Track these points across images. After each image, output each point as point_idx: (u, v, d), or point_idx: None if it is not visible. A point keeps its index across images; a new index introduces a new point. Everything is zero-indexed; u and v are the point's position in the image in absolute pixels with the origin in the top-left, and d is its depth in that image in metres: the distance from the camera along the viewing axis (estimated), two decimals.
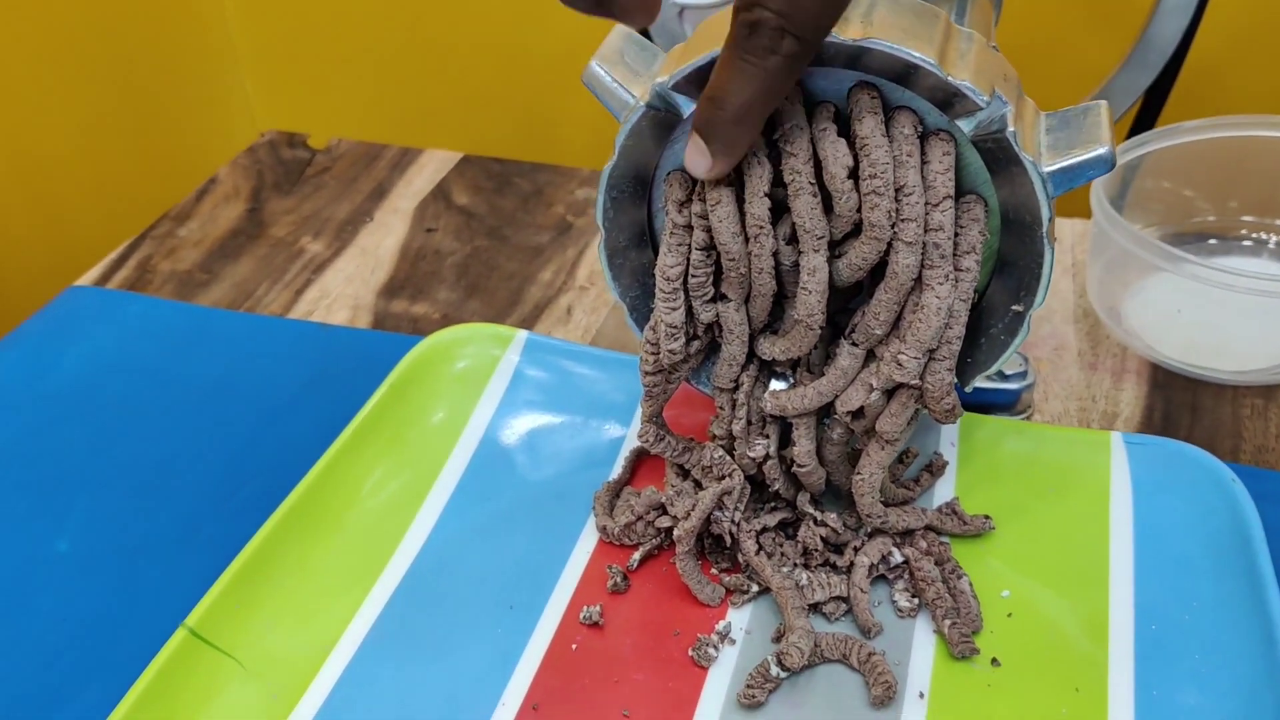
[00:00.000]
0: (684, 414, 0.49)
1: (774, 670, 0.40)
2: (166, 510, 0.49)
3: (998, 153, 0.38)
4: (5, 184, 1.10)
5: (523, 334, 0.52)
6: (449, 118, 1.01)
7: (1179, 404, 0.54)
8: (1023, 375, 0.52)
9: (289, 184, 0.74)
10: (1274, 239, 0.62)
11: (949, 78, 0.36)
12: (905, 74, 0.37)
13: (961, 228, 0.39)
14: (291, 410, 0.54)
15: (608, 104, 0.40)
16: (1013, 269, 0.41)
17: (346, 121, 1.00)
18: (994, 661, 0.41)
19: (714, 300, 0.42)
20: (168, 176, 1.05)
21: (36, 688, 0.42)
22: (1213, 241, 0.62)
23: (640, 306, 0.45)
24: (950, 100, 0.37)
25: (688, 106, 0.39)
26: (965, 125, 0.37)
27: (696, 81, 0.38)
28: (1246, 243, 0.61)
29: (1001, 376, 0.52)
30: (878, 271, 0.40)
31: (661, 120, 0.40)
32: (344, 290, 0.64)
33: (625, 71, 0.40)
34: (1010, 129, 0.36)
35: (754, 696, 0.40)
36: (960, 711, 0.40)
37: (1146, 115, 0.68)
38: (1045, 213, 0.37)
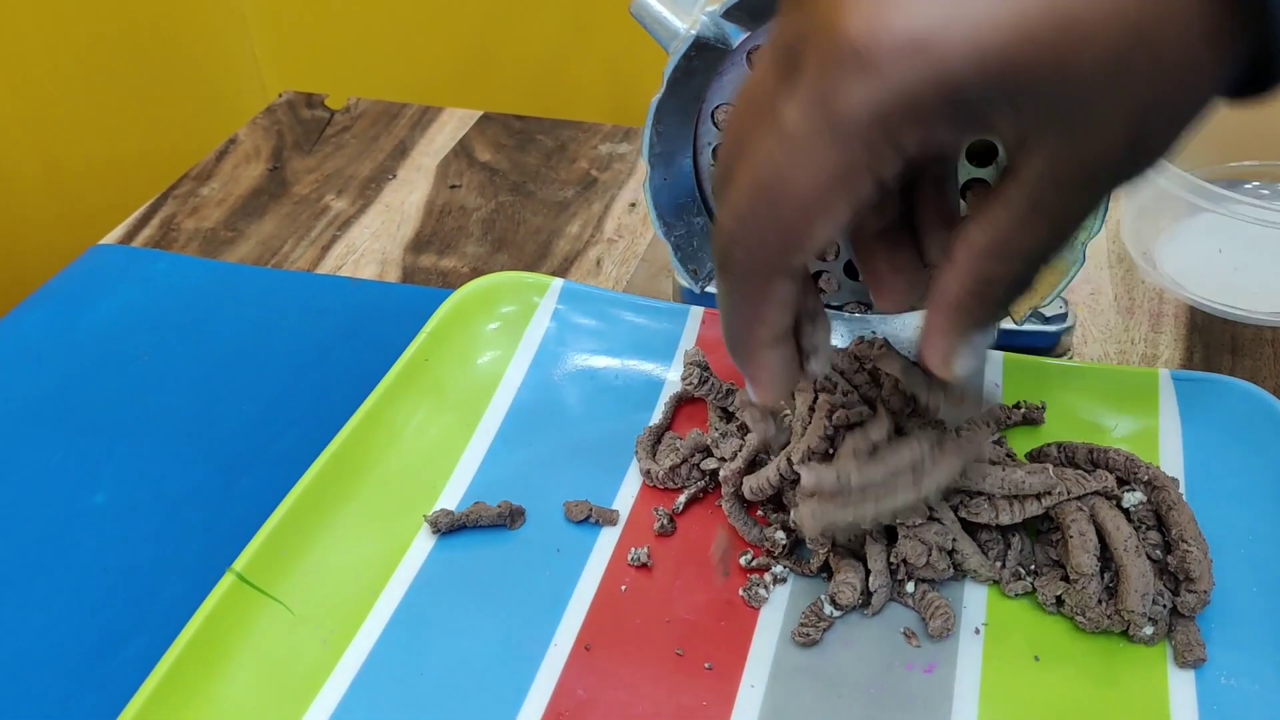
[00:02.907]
0: (723, 356, 0.49)
1: (827, 609, 0.40)
2: (203, 461, 0.49)
3: None
4: (16, 148, 1.10)
5: (559, 281, 0.52)
6: (460, 80, 1.00)
7: (1218, 346, 0.54)
8: (1062, 318, 0.51)
9: (309, 143, 0.73)
10: None
11: None
12: None
13: None
14: (326, 361, 0.54)
15: (655, 34, 0.40)
16: None
17: (354, 84, 0.99)
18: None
19: None
20: (177, 140, 1.04)
21: (82, 638, 0.42)
22: (1247, 186, 0.61)
23: (685, 246, 0.44)
24: None
25: (737, 36, 0.38)
26: None
27: (747, 10, 0.37)
28: None
29: (1042, 319, 0.51)
30: None
31: (710, 51, 0.39)
32: (371, 246, 0.63)
33: (673, 2, 0.40)
34: None
35: (808, 635, 0.40)
36: (1018, 645, 0.39)
37: None
38: None
